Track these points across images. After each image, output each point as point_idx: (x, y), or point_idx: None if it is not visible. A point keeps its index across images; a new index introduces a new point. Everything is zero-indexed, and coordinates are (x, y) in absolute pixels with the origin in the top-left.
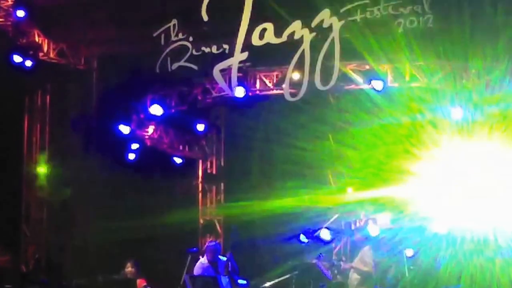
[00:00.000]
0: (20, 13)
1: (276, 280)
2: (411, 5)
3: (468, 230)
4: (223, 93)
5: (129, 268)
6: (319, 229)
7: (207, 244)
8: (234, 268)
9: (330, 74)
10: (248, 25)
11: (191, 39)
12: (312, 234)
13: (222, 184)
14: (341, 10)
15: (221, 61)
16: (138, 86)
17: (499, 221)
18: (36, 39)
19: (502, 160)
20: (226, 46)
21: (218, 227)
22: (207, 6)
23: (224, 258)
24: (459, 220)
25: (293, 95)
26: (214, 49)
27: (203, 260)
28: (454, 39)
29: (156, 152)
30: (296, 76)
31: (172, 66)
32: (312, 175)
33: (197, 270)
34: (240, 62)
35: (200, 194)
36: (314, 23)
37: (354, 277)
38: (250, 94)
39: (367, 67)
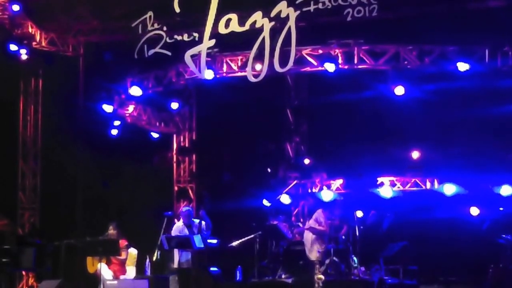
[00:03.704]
0: (16, 7)
1: (243, 239)
2: None
3: (410, 195)
4: (194, 76)
5: (111, 230)
6: (280, 194)
7: (181, 209)
8: (208, 224)
9: (287, 58)
10: (215, 16)
11: (165, 28)
12: (273, 199)
13: (194, 156)
14: (297, 2)
15: (192, 47)
16: (119, 70)
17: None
18: (30, 30)
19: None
20: (196, 34)
21: (190, 193)
22: None
23: (197, 221)
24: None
25: (255, 76)
26: (185, 37)
27: (179, 223)
28: (397, 25)
29: (135, 128)
30: (257, 60)
31: (148, 52)
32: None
33: (174, 232)
34: (209, 48)
35: (174, 165)
36: (273, 13)
37: (309, 236)
38: (217, 76)
39: (320, 51)
